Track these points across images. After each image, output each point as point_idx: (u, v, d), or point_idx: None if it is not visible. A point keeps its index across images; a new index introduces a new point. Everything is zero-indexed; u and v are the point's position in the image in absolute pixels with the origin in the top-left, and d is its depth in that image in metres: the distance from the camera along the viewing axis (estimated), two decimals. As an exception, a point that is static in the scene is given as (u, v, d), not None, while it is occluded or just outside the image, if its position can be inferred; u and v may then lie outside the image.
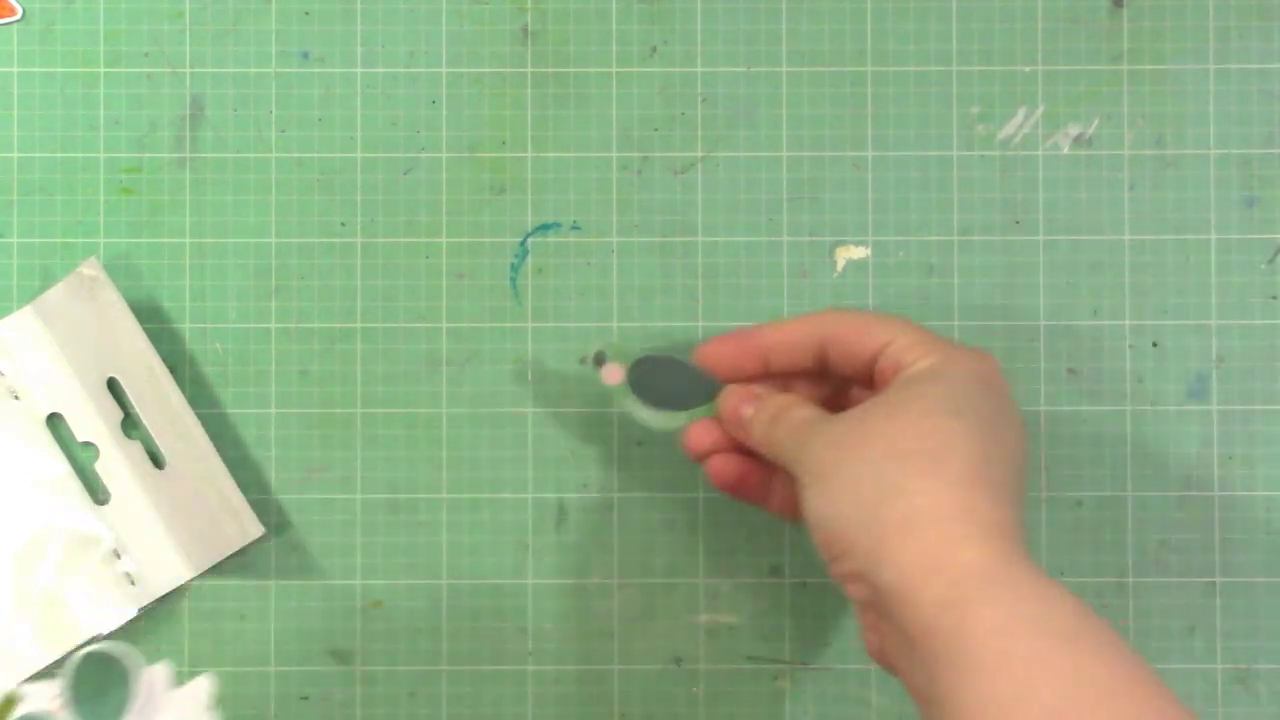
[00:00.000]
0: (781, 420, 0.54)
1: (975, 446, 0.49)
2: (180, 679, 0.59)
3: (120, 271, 0.60)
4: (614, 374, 0.57)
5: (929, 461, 0.48)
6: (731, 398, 0.56)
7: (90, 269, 0.59)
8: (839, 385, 0.57)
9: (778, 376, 0.56)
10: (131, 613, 0.58)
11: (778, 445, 0.54)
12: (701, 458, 0.57)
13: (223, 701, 0.60)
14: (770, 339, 0.56)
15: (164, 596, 0.59)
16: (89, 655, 0.46)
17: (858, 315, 0.55)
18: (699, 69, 0.61)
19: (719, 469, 0.56)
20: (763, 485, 0.57)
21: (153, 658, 0.60)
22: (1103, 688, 0.44)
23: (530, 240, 0.61)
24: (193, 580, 0.58)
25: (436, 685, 0.60)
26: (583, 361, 0.60)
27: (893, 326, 0.53)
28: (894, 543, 0.48)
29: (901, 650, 0.48)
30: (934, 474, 0.48)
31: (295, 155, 0.61)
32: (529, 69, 0.61)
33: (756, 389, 0.56)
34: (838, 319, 0.55)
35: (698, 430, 0.57)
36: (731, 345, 0.56)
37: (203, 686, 0.50)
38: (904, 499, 0.48)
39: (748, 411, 0.55)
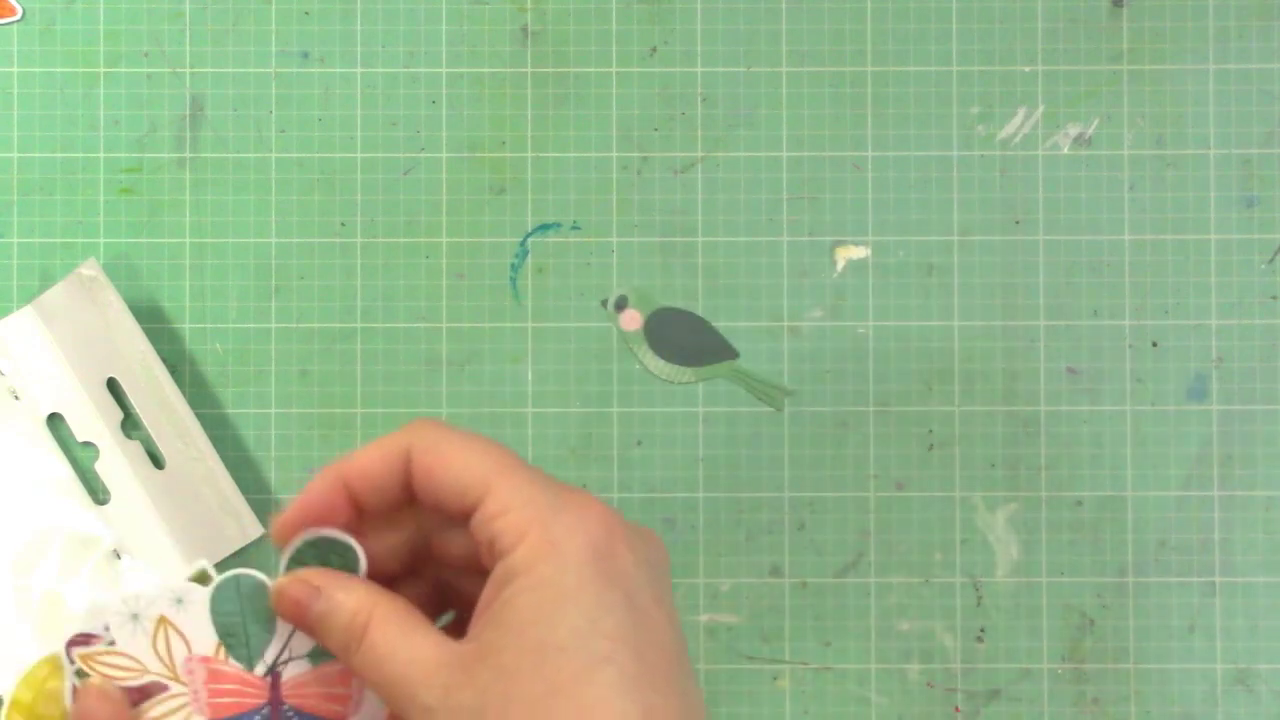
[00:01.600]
0: (367, 650, 0.42)
1: (634, 701, 0.39)
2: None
3: (120, 271, 0.60)
4: (632, 320, 0.58)
5: None
6: (286, 592, 0.44)
7: (89, 269, 0.59)
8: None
9: (378, 517, 0.45)
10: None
11: (371, 679, 0.42)
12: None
13: (223, 701, 0.60)
14: (348, 473, 0.43)
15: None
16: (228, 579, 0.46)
17: (449, 447, 0.42)
18: (699, 69, 0.61)
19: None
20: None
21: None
22: None
23: (530, 240, 0.61)
24: (193, 580, 0.59)
25: (436, 685, 0.60)
26: (604, 304, 0.60)
27: (485, 475, 0.42)
28: None
29: None
30: None
31: (295, 155, 0.61)
32: (529, 69, 0.61)
33: (318, 578, 0.44)
34: (424, 449, 0.42)
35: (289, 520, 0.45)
36: (311, 494, 0.44)
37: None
38: None
39: (314, 610, 0.44)
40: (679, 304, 0.60)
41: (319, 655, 0.46)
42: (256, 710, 0.46)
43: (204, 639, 0.46)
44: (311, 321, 0.60)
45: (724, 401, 0.60)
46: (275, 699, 0.46)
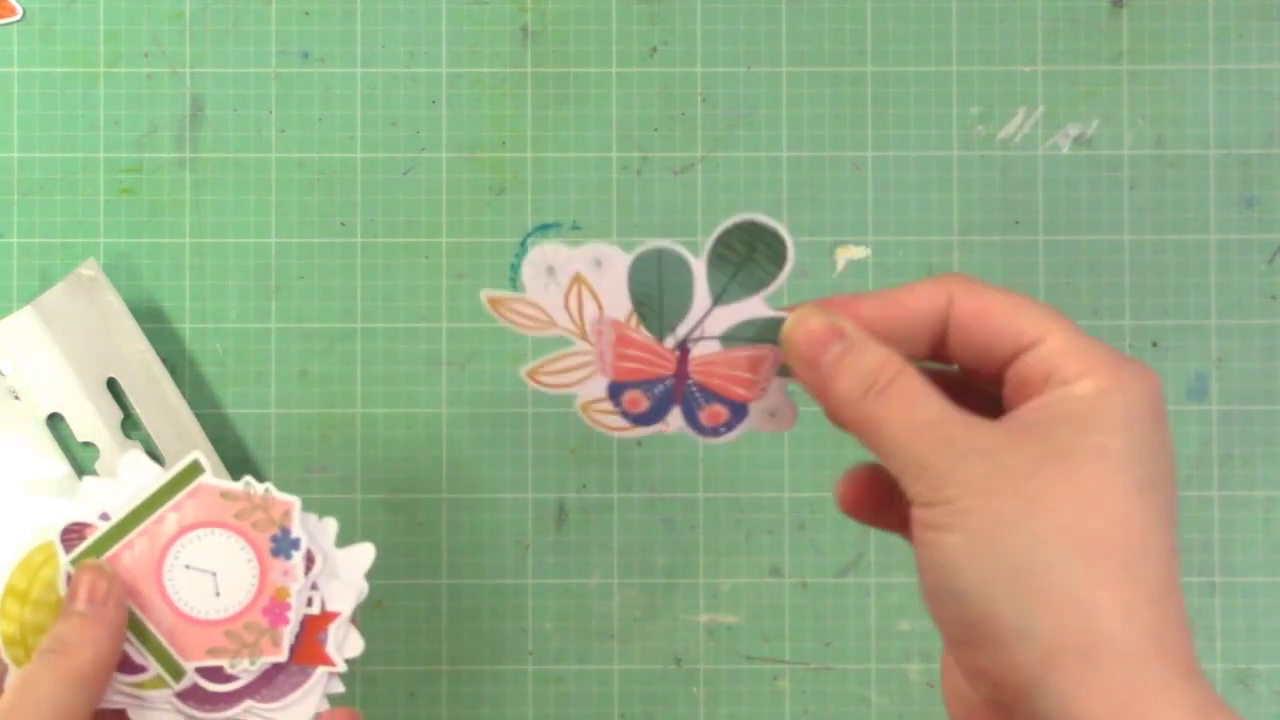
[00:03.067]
0: (887, 397, 0.41)
1: (1169, 542, 0.39)
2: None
3: (120, 271, 0.60)
4: None
5: (1122, 564, 0.38)
6: (807, 324, 0.43)
7: (89, 269, 0.59)
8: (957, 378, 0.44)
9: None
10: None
11: (877, 432, 0.41)
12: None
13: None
14: (873, 312, 0.42)
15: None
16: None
17: (986, 293, 0.42)
18: (699, 69, 0.61)
19: (845, 494, 0.45)
20: (891, 504, 0.45)
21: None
22: None
23: (530, 240, 0.61)
24: (193, 580, 0.59)
25: (436, 685, 0.60)
26: None
27: (1043, 319, 0.41)
28: (1070, 672, 0.38)
29: None
30: (1127, 585, 0.38)
31: (295, 155, 0.61)
32: (529, 69, 0.61)
33: (845, 324, 0.42)
34: (969, 295, 0.42)
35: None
36: (872, 304, 0.43)
37: (368, 552, 0.50)
38: (1087, 614, 0.38)
39: (833, 351, 0.42)
40: (679, 304, 0.61)
41: (730, 339, 0.46)
42: (660, 380, 0.47)
43: (619, 303, 0.46)
44: (311, 321, 0.60)
45: (724, 401, 0.60)
46: (681, 372, 0.46)
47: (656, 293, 0.46)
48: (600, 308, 0.46)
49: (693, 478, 0.60)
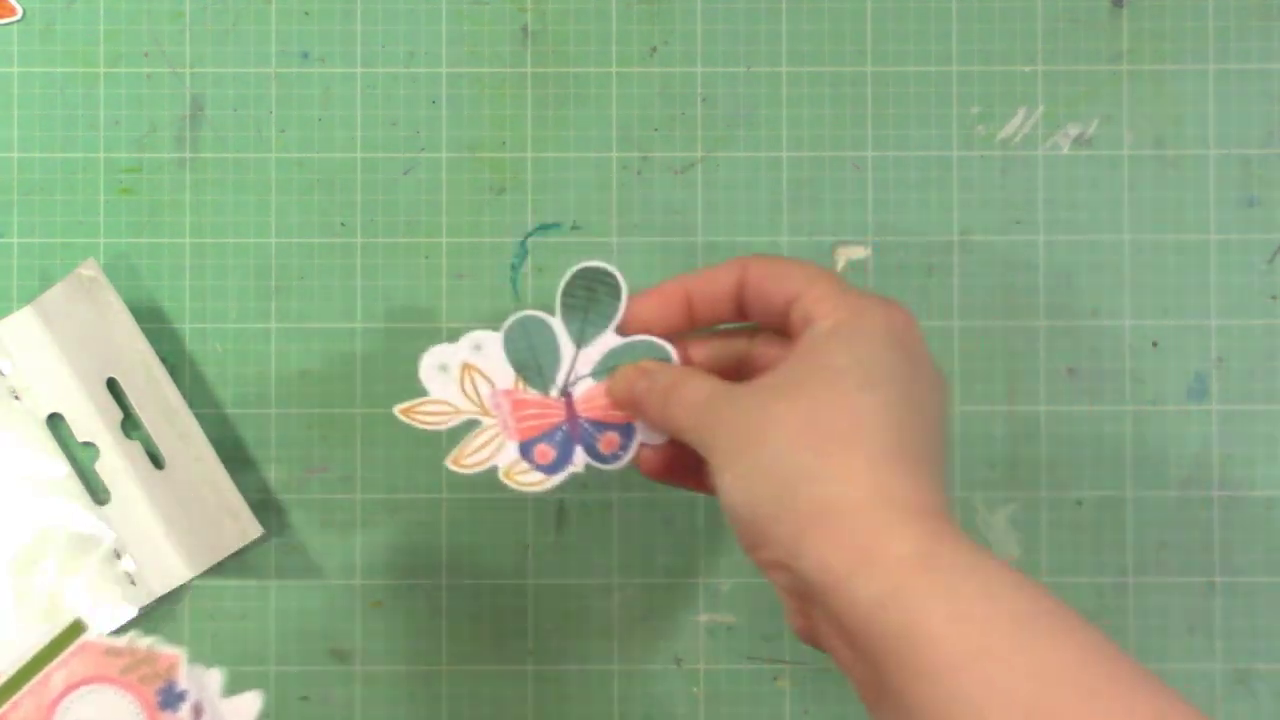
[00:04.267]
0: (674, 398, 0.50)
1: (890, 421, 0.46)
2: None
3: (120, 271, 0.60)
4: None
5: (841, 443, 0.45)
6: (623, 374, 0.53)
7: (89, 270, 0.59)
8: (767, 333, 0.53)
9: (705, 328, 0.53)
10: (132, 613, 0.58)
11: (676, 425, 0.50)
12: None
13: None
14: (690, 287, 0.52)
15: (164, 596, 0.59)
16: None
17: (772, 262, 0.51)
18: (699, 69, 0.61)
19: (644, 458, 0.53)
20: (695, 468, 0.52)
21: (153, 658, 0.60)
22: (1079, 679, 0.41)
23: (530, 240, 0.61)
24: (193, 580, 0.58)
25: (436, 685, 0.60)
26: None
27: (803, 275, 0.50)
28: (813, 534, 0.45)
29: (837, 638, 0.46)
30: (847, 456, 0.45)
31: (295, 155, 0.61)
32: (529, 69, 0.61)
33: (646, 363, 0.53)
34: (754, 264, 0.51)
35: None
36: (655, 299, 0.53)
37: (254, 701, 0.50)
38: (818, 485, 0.45)
39: (640, 385, 0.52)
40: (679, 304, 0.61)
41: (600, 372, 0.54)
42: (558, 428, 0.54)
43: (504, 375, 0.54)
44: (311, 321, 0.60)
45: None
46: (572, 414, 0.54)
47: (531, 355, 0.54)
48: (491, 383, 0.54)
49: (693, 478, 0.60)
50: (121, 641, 0.48)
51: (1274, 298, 0.61)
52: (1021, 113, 0.61)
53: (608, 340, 0.54)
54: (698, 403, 0.50)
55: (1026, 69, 0.61)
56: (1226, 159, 0.61)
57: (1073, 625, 0.42)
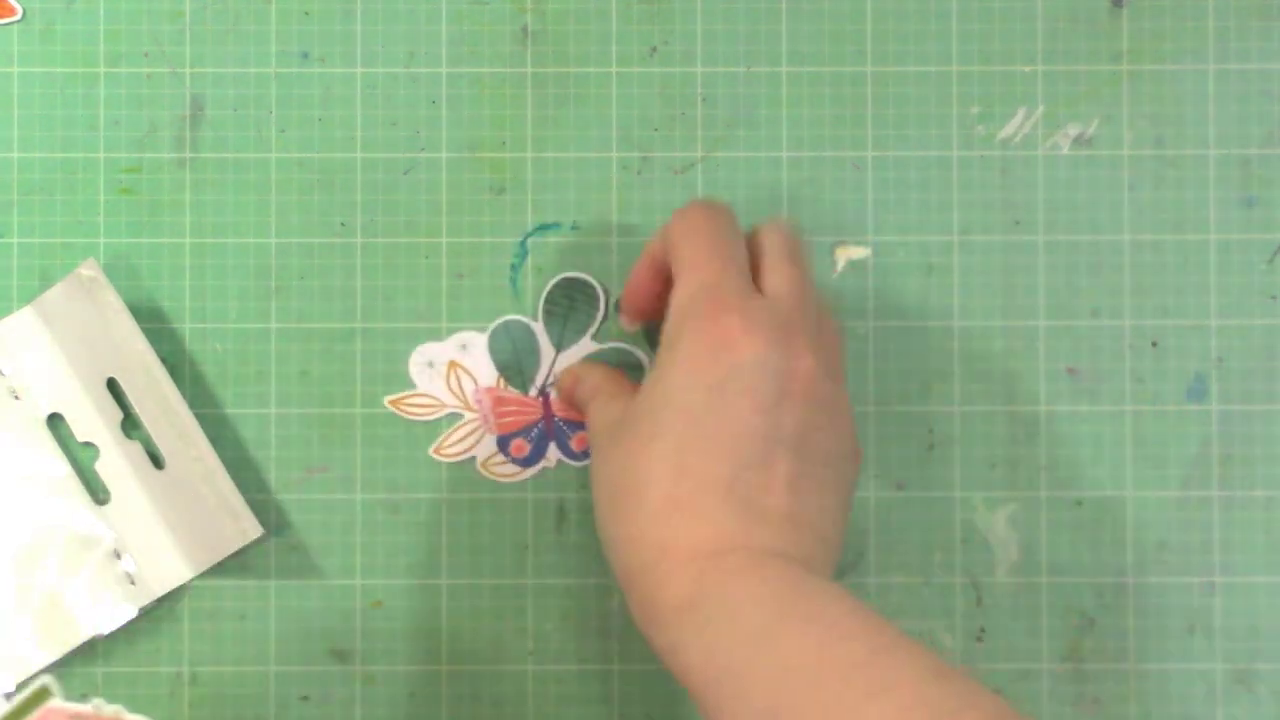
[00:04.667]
0: (590, 413, 0.56)
1: (666, 467, 0.49)
2: (181, 679, 0.60)
3: (120, 271, 0.60)
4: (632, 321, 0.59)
5: (632, 503, 0.49)
6: (565, 379, 0.58)
7: (89, 270, 0.59)
8: None
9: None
10: (132, 613, 0.58)
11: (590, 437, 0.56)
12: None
13: (223, 701, 0.60)
14: (654, 255, 0.55)
15: (164, 596, 0.59)
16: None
17: (667, 238, 0.54)
18: (699, 69, 0.61)
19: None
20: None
21: (153, 658, 0.60)
22: (814, 675, 0.44)
23: (530, 240, 0.61)
24: (193, 580, 0.58)
25: (436, 685, 0.60)
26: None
27: (680, 273, 0.53)
28: (626, 586, 0.50)
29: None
30: (635, 517, 0.49)
31: (295, 155, 0.61)
32: (529, 69, 0.61)
33: (578, 367, 0.58)
34: (662, 240, 0.55)
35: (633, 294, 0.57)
36: (639, 277, 0.56)
37: None
38: (618, 552, 0.50)
39: (578, 392, 0.57)
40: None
41: None
42: (534, 425, 0.59)
43: (487, 373, 0.59)
44: (311, 321, 0.60)
45: (724, 401, 0.60)
46: (548, 413, 0.59)
47: (513, 356, 0.59)
48: (475, 381, 0.59)
49: (693, 478, 0.60)
50: (88, 708, 0.47)
51: (1274, 298, 0.61)
52: (1021, 113, 0.61)
53: (585, 346, 0.59)
54: (597, 429, 0.54)
55: (1026, 69, 0.61)
56: (1226, 159, 0.61)
57: (814, 620, 0.45)
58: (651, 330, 0.58)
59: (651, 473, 0.49)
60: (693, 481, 0.48)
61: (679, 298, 0.51)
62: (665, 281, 0.54)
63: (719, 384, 0.49)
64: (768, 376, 0.49)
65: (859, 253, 0.61)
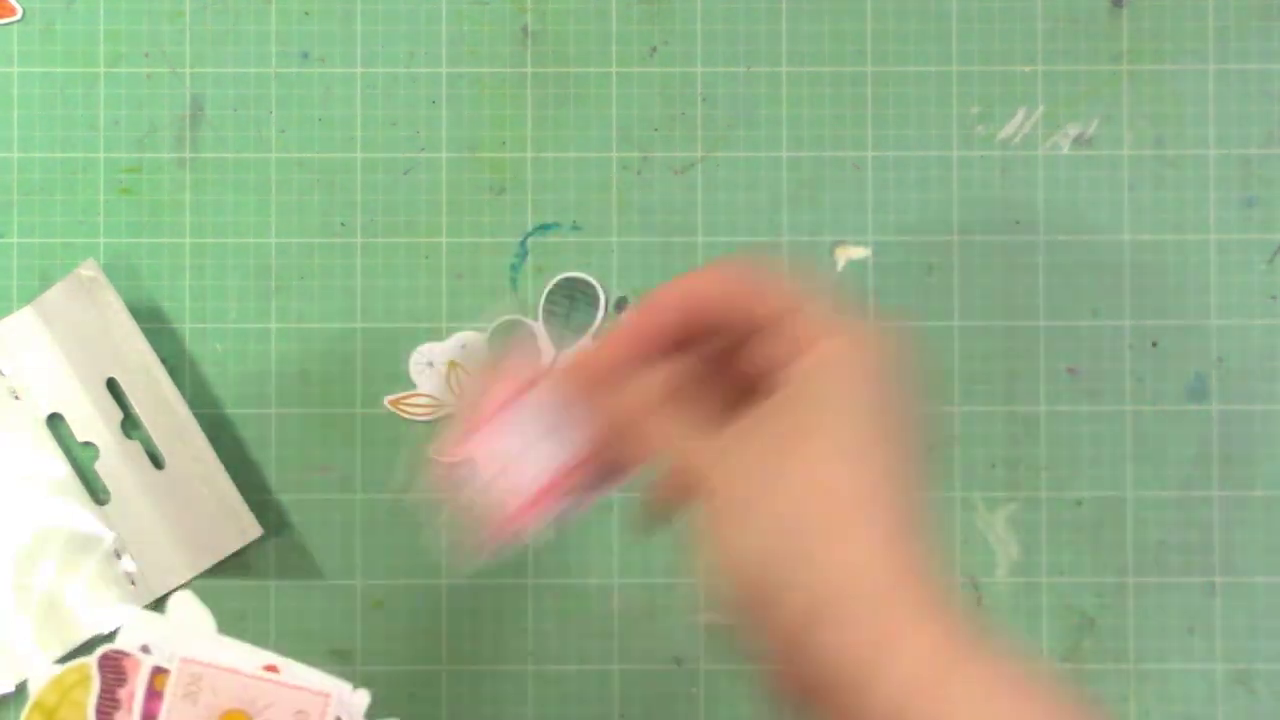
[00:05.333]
0: (655, 427, 0.46)
1: (900, 489, 0.43)
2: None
3: (120, 272, 0.60)
4: None
5: (861, 513, 0.42)
6: (626, 406, 0.47)
7: (88, 270, 0.59)
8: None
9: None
10: (132, 612, 0.58)
11: (658, 455, 0.46)
12: None
13: (223, 701, 0.60)
14: (635, 333, 0.46)
15: (164, 596, 0.59)
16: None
17: (736, 278, 0.46)
18: (699, 69, 0.61)
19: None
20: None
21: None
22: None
23: (530, 240, 0.61)
24: (193, 580, 0.58)
25: (436, 685, 0.60)
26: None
27: (785, 294, 0.45)
28: (831, 616, 0.42)
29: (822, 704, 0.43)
30: (868, 530, 0.42)
31: (295, 155, 0.61)
32: (529, 69, 0.61)
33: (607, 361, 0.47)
34: (708, 282, 0.46)
35: None
36: (621, 342, 0.46)
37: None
38: (838, 555, 0.42)
39: (615, 407, 0.47)
40: (679, 304, 0.60)
41: None
42: None
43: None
44: (311, 321, 0.60)
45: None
46: None
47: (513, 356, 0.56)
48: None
49: (693, 478, 0.60)
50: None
51: (1274, 298, 0.61)
52: (1021, 113, 0.61)
53: (585, 346, 0.59)
54: (686, 436, 0.45)
55: (1026, 69, 0.61)
56: (1226, 159, 0.61)
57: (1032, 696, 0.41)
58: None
59: (883, 489, 0.43)
60: (917, 504, 0.43)
61: (804, 319, 0.45)
62: (648, 352, 0.47)
63: (904, 402, 0.45)
64: (911, 391, 0.46)
65: (859, 253, 0.61)
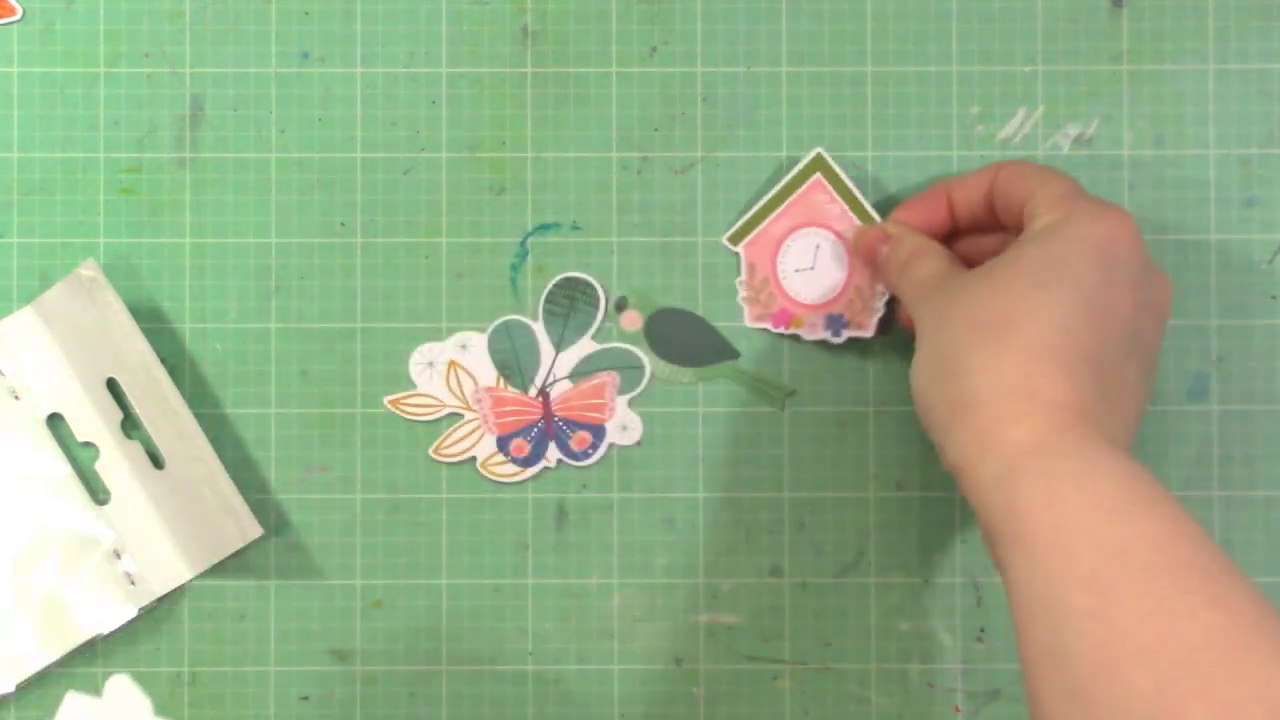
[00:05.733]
0: (910, 270, 0.55)
1: (1053, 318, 0.49)
2: (181, 680, 0.60)
3: (120, 272, 0.60)
4: (633, 321, 0.59)
5: (996, 335, 0.49)
6: (866, 235, 0.58)
7: (88, 270, 0.59)
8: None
9: (968, 232, 0.58)
10: (131, 613, 0.58)
11: (903, 296, 0.56)
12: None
13: (223, 701, 0.60)
14: (951, 190, 0.57)
15: (164, 596, 0.59)
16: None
17: (1016, 167, 0.55)
18: (699, 69, 0.61)
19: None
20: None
21: (153, 658, 0.60)
22: (1138, 559, 0.45)
23: (530, 240, 0.61)
24: (193, 580, 0.58)
25: (436, 685, 0.60)
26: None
27: (1037, 179, 0.54)
28: (956, 422, 0.49)
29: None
30: (999, 349, 0.49)
31: (295, 155, 0.61)
32: (529, 69, 0.61)
33: (892, 227, 0.57)
34: (1003, 168, 0.56)
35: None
36: (919, 205, 0.57)
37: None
38: (968, 377, 0.49)
39: (883, 250, 0.57)
40: (679, 304, 0.60)
41: (577, 375, 0.59)
42: (534, 424, 0.59)
43: (487, 373, 0.59)
44: (311, 321, 0.60)
45: (724, 401, 0.60)
46: (548, 413, 0.59)
47: (513, 356, 0.59)
48: (475, 380, 0.59)
49: (693, 478, 0.60)
50: None
51: (1274, 298, 0.61)
52: (1021, 113, 0.61)
53: (585, 346, 0.59)
54: (922, 282, 0.54)
55: (1026, 69, 0.61)
56: (1226, 159, 0.61)
57: (1157, 516, 0.46)
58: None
59: (1035, 315, 0.49)
60: (1073, 343, 0.49)
61: (1055, 189, 0.53)
62: (944, 218, 0.57)
63: (1108, 268, 0.50)
64: (1143, 280, 0.51)
65: (859, 253, 0.61)
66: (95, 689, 0.59)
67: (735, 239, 0.59)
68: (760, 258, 0.59)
